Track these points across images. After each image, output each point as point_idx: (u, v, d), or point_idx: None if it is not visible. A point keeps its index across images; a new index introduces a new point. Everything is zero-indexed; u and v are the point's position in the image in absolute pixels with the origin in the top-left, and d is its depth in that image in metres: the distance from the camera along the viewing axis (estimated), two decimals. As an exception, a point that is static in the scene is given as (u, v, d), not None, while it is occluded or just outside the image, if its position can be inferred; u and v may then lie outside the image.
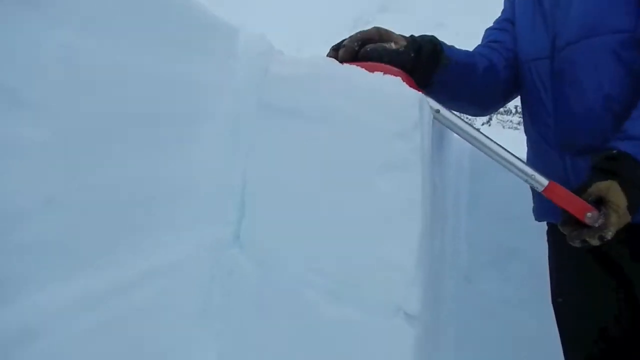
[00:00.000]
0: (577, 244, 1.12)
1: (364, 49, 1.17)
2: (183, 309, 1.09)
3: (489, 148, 1.13)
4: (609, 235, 1.07)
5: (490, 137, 1.14)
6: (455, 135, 1.27)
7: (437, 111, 1.11)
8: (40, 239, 0.72)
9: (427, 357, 1.28)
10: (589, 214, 1.07)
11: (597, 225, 1.07)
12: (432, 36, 1.33)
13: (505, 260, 1.98)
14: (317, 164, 1.09)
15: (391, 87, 1.00)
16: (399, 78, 1.01)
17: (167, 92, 0.96)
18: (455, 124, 1.13)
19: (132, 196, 0.91)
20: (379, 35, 1.22)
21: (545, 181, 1.10)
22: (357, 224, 1.06)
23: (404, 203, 1.02)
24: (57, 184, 0.74)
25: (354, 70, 1.05)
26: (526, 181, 1.12)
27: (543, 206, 1.43)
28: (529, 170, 1.11)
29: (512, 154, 1.13)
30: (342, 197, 1.07)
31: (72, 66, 0.75)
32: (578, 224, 1.09)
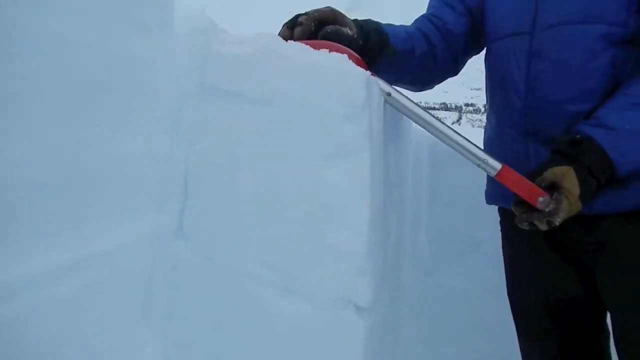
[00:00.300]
0: (525, 226, 1.10)
1: (324, 30, 1.13)
2: (121, 303, 1.02)
3: (442, 132, 1.09)
4: (557, 221, 1.06)
5: (443, 121, 1.11)
6: (414, 126, 1.23)
7: (389, 94, 1.07)
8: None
9: (382, 351, 1.24)
10: (540, 199, 1.05)
11: (547, 210, 1.05)
12: (377, 23, 1.31)
13: (468, 253, 1.95)
14: (262, 150, 1.04)
15: (336, 64, 0.95)
16: (345, 55, 0.96)
17: (98, 65, 0.88)
18: (407, 108, 1.08)
19: (62, 177, 0.84)
20: (334, 17, 1.19)
21: (498, 165, 1.07)
22: (304, 213, 1.01)
23: (353, 189, 0.97)
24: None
25: (299, 48, 1.00)
26: (479, 165, 1.09)
27: (495, 189, 1.40)
28: (481, 154, 1.08)
29: (465, 138, 1.10)
30: (288, 185, 1.02)
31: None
32: (530, 206, 1.07)
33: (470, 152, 1.08)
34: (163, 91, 1.04)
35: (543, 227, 1.07)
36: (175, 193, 1.10)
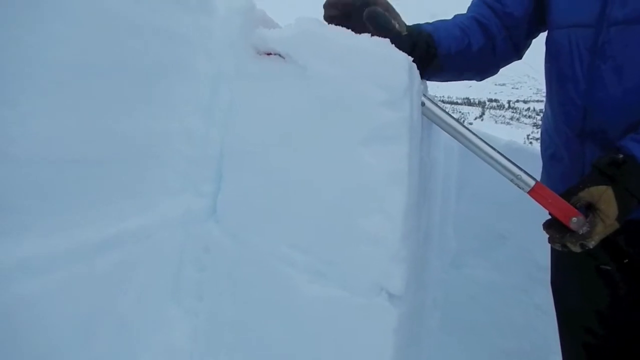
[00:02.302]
0: (557, 247, 1.06)
1: (371, 8, 1.09)
2: (153, 282, 1.03)
3: (476, 145, 1.06)
4: (591, 244, 1.01)
5: (477, 134, 1.08)
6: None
7: (422, 104, 1.05)
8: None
9: (411, 341, 1.23)
10: (574, 219, 1.01)
11: (581, 232, 1.01)
12: (427, 34, 1.25)
13: (494, 246, 1.94)
14: (298, 133, 1.03)
15: (378, 48, 0.93)
16: (387, 40, 0.95)
17: (138, 40, 0.88)
18: (441, 119, 1.06)
19: (94, 152, 0.84)
20: (387, 7, 1.14)
21: (531, 182, 1.04)
22: (339, 197, 1.00)
23: (390, 174, 0.96)
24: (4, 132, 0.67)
25: (339, 31, 0.98)
26: (512, 181, 1.06)
27: (551, 179, 1.34)
28: (515, 169, 1.05)
29: (499, 152, 1.07)
30: (323, 169, 1.01)
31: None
32: (563, 226, 1.03)
33: (504, 166, 1.05)
34: (200, 70, 1.04)
35: (576, 249, 1.03)
36: (210, 174, 1.10)
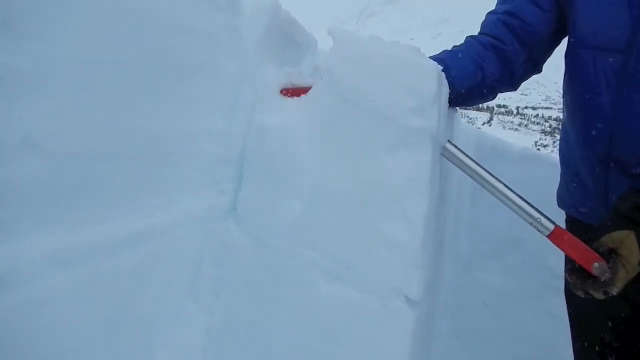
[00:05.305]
0: (580, 294, 1.03)
1: None
2: (173, 277, 1.03)
3: (497, 189, 1.05)
4: (614, 291, 0.98)
5: (497, 176, 1.07)
6: (461, 123, 1.21)
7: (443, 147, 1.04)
8: (18, 181, 0.66)
9: (425, 344, 1.24)
10: (596, 265, 0.98)
11: (604, 279, 0.98)
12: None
13: (506, 251, 1.93)
14: (322, 137, 1.03)
15: (408, 56, 0.93)
16: (418, 47, 0.95)
17: (166, 38, 0.88)
18: (461, 161, 1.05)
19: (122, 149, 0.85)
20: None
21: (551, 226, 1.02)
22: (361, 201, 1.00)
23: (413, 181, 0.96)
24: (38, 122, 0.67)
25: (369, 39, 0.98)
26: (531, 224, 1.03)
27: (572, 197, 1.32)
28: (534, 213, 1.03)
29: (518, 195, 1.05)
30: (347, 172, 1.01)
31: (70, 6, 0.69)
32: (585, 272, 1.00)
33: (523, 209, 1.03)
34: (224, 69, 1.04)
35: (599, 296, 0.99)
36: (231, 173, 1.10)
